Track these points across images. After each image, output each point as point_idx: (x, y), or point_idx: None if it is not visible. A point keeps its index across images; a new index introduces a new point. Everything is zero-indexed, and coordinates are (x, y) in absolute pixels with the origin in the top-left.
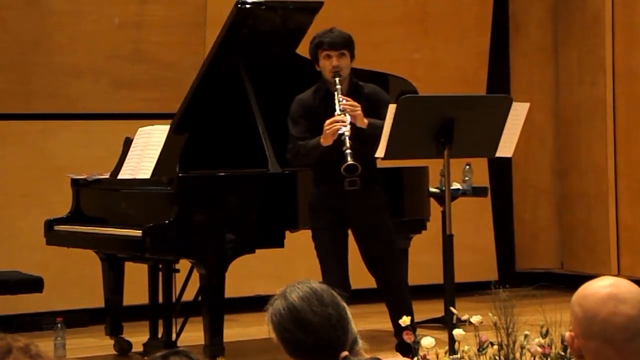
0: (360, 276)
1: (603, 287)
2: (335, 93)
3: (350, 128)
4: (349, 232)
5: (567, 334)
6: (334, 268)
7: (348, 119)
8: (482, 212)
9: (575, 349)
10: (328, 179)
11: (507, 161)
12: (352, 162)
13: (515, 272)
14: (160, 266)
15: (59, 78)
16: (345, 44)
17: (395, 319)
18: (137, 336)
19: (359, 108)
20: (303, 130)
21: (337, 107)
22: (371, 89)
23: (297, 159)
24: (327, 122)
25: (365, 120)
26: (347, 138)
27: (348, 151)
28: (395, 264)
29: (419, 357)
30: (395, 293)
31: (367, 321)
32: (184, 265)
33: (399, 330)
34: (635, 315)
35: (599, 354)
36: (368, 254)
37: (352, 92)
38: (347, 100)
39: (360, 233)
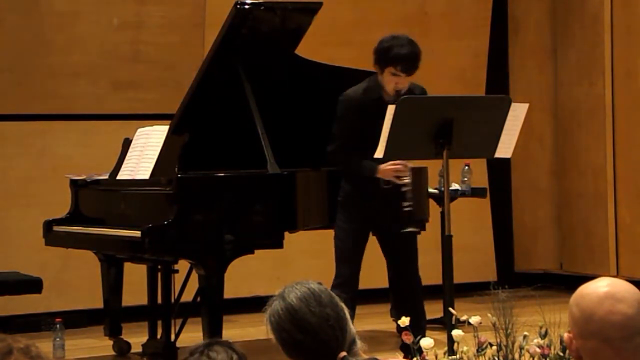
0: (361, 277)
1: (600, 287)
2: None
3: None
4: (369, 235)
5: (566, 335)
6: (348, 264)
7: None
8: (481, 213)
9: (573, 350)
10: (361, 178)
11: (506, 162)
12: (411, 229)
13: (514, 272)
14: (159, 267)
15: (58, 79)
16: (417, 67)
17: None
18: (136, 337)
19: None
20: (348, 130)
21: None
22: (420, 90)
23: (342, 167)
24: (393, 167)
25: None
26: (409, 191)
27: (409, 209)
28: (414, 266)
29: (419, 357)
30: (410, 293)
31: (367, 321)
32: (183, 265)
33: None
34: (632, 314)
35: (597, 354)
36: (391, 256)
37: (407, 94)
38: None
39: (384, 236)
